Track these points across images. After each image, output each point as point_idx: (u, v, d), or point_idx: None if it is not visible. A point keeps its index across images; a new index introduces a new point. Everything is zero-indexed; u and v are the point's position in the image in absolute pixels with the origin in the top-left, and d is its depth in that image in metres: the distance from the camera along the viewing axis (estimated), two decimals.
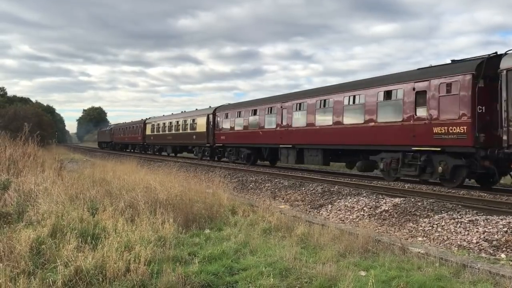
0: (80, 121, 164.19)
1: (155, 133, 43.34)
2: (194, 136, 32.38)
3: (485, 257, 6.62)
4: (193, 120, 33.11)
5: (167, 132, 39.57)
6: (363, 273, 5.42)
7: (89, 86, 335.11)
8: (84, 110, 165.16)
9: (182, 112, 38.89)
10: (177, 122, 37.00)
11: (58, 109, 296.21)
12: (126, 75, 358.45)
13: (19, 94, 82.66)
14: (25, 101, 72.11)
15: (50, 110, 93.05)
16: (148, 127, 45.70)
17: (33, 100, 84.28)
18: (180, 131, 35.77)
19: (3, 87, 73.54)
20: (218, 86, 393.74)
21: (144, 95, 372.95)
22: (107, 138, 66.07)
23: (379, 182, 15.26)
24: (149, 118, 47.61)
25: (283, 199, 13.05)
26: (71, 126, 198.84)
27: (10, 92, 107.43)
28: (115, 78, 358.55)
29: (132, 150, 53.70)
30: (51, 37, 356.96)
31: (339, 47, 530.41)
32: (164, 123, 40.87)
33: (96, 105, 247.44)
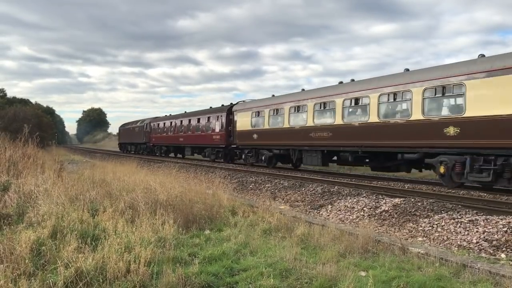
0: (79, 122, 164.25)
1: (265, 127, 22.94)
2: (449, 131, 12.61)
3: (485, 257, 6.62)
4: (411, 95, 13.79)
5: (306, 124, 19.43)
6: (363, 273, 5.43)
7: (88, 87, 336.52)
8: (83, 111, 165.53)
9: (343, 83, 18.72)
10: (342, 102, 17.05)
11: (57, 110, 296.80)
12: (125, 76, 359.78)
13: (18, 95, 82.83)
14: (24, 102, 72.04)
15: (49, 111, 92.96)
16: (242, 117, 25.59)
17: (33, 101, 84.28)
18: (380, 119, 15.17)
19: (2, 89, 73.70)
20: (218, 87, 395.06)
21: (144, 96, 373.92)
22: (138, 138, 46.46)
23: (379, 182, 15.27)
24: (238, 103, 28.02)
25: (283, 199, 13.05)
26: (70, 127, 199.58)
27: (10, 93, 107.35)
28: (115, 79, 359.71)
29: (189, 155, 34.93)
30: (50, 38, 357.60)
31: (338, 47, 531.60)
32: (298, 107, 20.35)
33: (96, 106, 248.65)
